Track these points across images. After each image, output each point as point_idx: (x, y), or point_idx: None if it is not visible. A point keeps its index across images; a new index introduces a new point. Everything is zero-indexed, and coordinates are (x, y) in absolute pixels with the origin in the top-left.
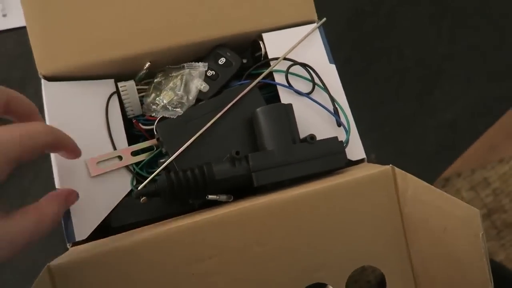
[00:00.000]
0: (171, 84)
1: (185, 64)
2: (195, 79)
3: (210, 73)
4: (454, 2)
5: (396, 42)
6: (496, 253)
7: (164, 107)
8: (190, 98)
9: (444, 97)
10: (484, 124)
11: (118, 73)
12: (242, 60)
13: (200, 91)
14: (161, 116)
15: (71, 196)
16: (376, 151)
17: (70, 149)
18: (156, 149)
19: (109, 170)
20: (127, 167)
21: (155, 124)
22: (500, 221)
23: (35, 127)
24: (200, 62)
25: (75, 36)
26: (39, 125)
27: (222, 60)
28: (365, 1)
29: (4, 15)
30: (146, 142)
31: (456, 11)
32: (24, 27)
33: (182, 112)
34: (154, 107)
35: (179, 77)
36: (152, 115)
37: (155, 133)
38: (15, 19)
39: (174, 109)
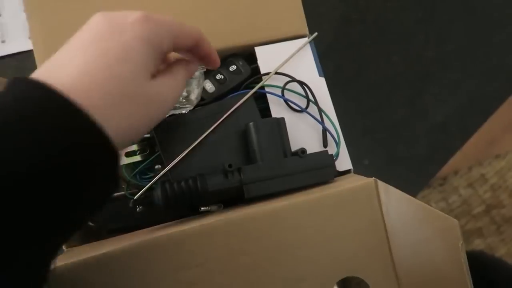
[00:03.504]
0: None
1: None
2: (195, 80)
3: (219, 76)
4: (440, 7)
5: (384, 48)
6: (497, 248)
7: None
8: (193, 97)
9: (434, 100)
10: (474, 125)
11: None
12: (252, 71)
13: (205, 91)
14: None
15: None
16: (369, 157)
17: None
18: (149, 156)
19: None
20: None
21: None
22: (499, 217)
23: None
24: None
25: None
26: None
27: (233, 68)
28: (352, 9)
29: (3, 41)
30: (139, 144)
31: (442, 15)
32: (23, 52)
33: (188, 110)
34: None
35: None
36: None
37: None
38: (13, 45)
39: (183, 106)
